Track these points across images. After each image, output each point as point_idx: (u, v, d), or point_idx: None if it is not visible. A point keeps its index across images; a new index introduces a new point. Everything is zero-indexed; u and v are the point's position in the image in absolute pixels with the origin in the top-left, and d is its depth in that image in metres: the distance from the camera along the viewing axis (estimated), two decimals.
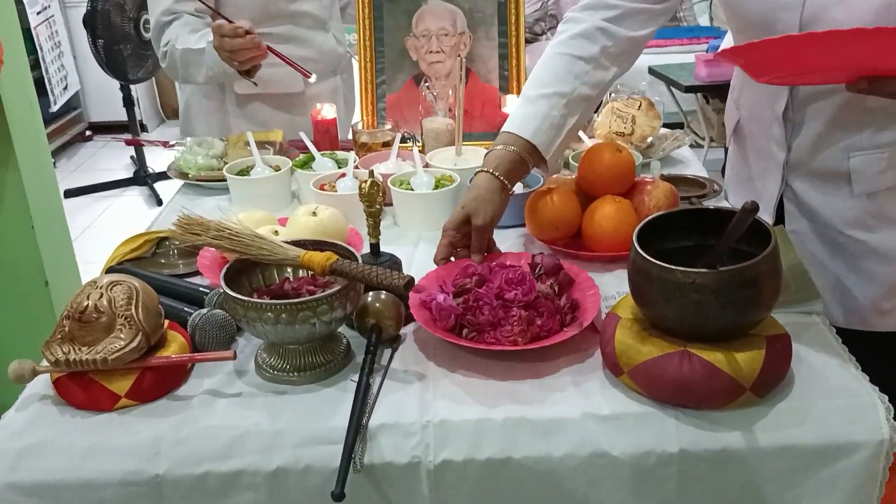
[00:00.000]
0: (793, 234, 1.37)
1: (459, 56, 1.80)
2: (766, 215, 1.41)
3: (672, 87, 4.00)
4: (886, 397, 1.01)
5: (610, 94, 1.84)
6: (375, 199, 1.19)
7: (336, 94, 2.19)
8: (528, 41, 4.85)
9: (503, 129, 1.34)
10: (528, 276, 1.16)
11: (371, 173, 1.21)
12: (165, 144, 2.01)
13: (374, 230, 1.21)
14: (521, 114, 1.33)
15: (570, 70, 1.34)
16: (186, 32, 1.91)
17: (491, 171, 1.28)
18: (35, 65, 4.45)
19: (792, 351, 1.04)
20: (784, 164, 1.36)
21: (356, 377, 1.06)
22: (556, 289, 1.18)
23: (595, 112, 1.86)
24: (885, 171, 1.28)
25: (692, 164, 1.81)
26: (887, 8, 1.14)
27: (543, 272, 1.20)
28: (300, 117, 2.08)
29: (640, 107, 1.78)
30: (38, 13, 4.53)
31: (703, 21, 4.96)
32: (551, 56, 1.37)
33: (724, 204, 1.58)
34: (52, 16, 4.67)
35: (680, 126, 4.25)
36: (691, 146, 1.94)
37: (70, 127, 5.12)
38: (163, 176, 4.25)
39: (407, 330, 1.19)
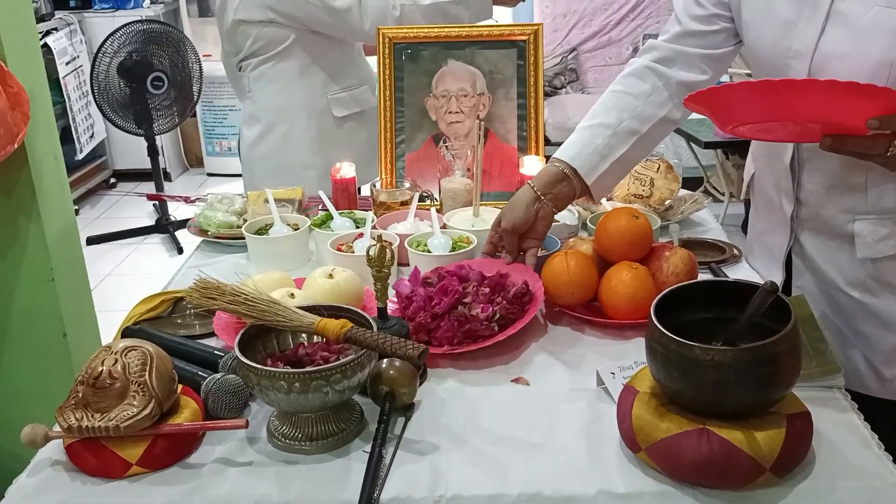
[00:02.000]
0: (798, 289, 1.37)
1: (478, 117, 1.82)
2: (776, 269, 1.42)
3: (691, 143, 4.01)
4: None
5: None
6: (384, 264, 1.19)
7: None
8: (547, 94, 4.90)
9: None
10: (473, 288, 1.32)
11: (380, 238, 1.21)
12: (187, 200, 2.03)
13: (383, 294, 1.21)
14: (567, 141, 1.43)
15: (617, 103, 1.42)
16: None
17: (529, 182, 1.42)
18: (62, 113, 4.54)
19: (813, 429, 1.01)
20: (792, 217, 1.36)
21: (368, 447, 1.05)
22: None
23: (651, 151, 1.85)
24: (888, 238, 1.27)
25: (711, 227, 1.80)
26: (888, 66, 1.14)
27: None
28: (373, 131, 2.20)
29: (658, 169, 1.78)
30: (67, 63, 4.64)
31: (724, 77, 4.98)
32: (606, 93, 1.45)
33: (744, 267, 1.57)
34: (81, 66, 4.77)
35: (699, 181, 4.24)
36: (713, 201, 1.93)
37: (94, 174, 5.20)
38: (184, 224, 4.29)
39: (420, 395, 1.18)
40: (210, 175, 5.47)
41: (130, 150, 5.19)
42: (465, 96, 1.87)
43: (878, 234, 1.27)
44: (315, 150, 2.32)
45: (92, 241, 4.40)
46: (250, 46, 2.25)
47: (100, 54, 4.10)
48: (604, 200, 1.71)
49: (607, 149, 1.39)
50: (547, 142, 1.89)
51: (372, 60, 2.09)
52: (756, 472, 0.95)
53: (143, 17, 4.63)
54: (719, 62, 1.43)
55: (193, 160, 5.75)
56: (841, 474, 1.00)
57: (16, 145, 1.88)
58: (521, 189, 1.43)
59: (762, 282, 0.97)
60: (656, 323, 1.00)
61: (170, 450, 1.05)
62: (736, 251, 1.61)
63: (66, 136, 4.50)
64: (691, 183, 2.08)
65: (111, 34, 4.12)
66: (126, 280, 4.04)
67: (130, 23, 4.17)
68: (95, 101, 4.16)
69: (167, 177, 5.38)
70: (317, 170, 2.27)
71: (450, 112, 1.88)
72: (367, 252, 1.20)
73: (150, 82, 4.14)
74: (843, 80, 1.01)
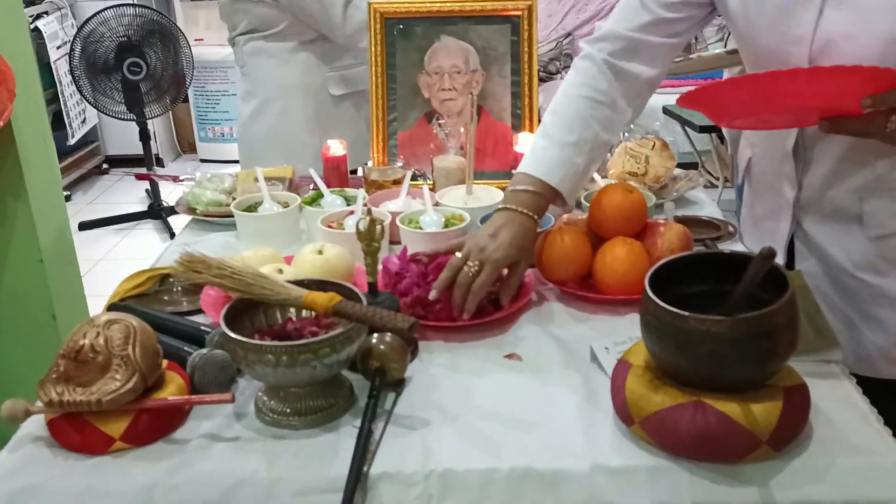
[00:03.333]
0: (803, 274, 1.34)
1: (471, 94, 1.79)
2: (778, 256, 1.38)
3: (686, 127, 3.98)
4: None
5: (623, 134, 1.82)
6: (374, 238, 1.17)
7: None
8: (542, 80, 4.86)
9: (524, 169, 1.35)
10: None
11: (369, 211, 1.19)
12: (175, 179, 1.99)
13: (373, 269, 1.19)
14: (548, 158, 1.35)
15: (592, 115, 1.36)
16: None
17: (525, 212, 1.32)
18: (54, 98, 4.50)
19: (810, 403, 1.00)
20: (795, 202, 1.33)
21: (358, 422, 1.03)
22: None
23: (608, 152, 1.84)
24: None
25: (706, 206, 1.78)
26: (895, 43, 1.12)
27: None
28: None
29: (653, 147, 1.75)
30: (59, 47, 4.59)
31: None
32: (573, 97, 1.38)
33: (739, 246, 1.55)
34: (74, 51, 4.71)
35: (694, 166, 4.22)
36: (706, 186, 1.91)
37: (87, 160, 5.16)
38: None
39: (412, 371, 1.16)
40: (203, 161, 5.43)
41: (123, 136, 5.16)
42: (458, 73, 1.84)
43: (890, 210, 1.25)
44: (312, 128, 2.27)
45: (84, 226, 4.37)
46: (246, 25, 2.22)
47: (78, 38, 4.06)
48: (598, 177, 1.69)
49: (586, 167, 1.37)
50: None
51: None
52: (752, 445, 0.94)
53: (135, 2, 4.58)
54: (677, 49, 1.39)
55: (186, 146, 5.72)
56: (839, 449, 0.98)
57: (1, 123, 1.85)
58: (512, 216, 1.31)
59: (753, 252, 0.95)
60: (651, 294, 0.98)
61: (154, 425, 1.03)
62: (731, 228, 1.59)
63: (58, 122, 4.46)
64: (686, 168, 2.06)
65: (90, 17, 4.08)
66: (118, 265, 4.00)
67: (114, 6, 4.12)
68: (76, 85, 4.12)
69: (160, 162, 5.34)
70: (314, 148, 2.22)
71: (442, 89, 1.85)
72: (357, 226, 1.18)
73: (127, 68, 4.10)
74: (849, 62, 1.00)
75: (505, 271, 1.30)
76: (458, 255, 1.28)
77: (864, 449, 0.98)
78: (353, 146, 2.03)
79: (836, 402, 1.06)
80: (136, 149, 4.53)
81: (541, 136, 1.37)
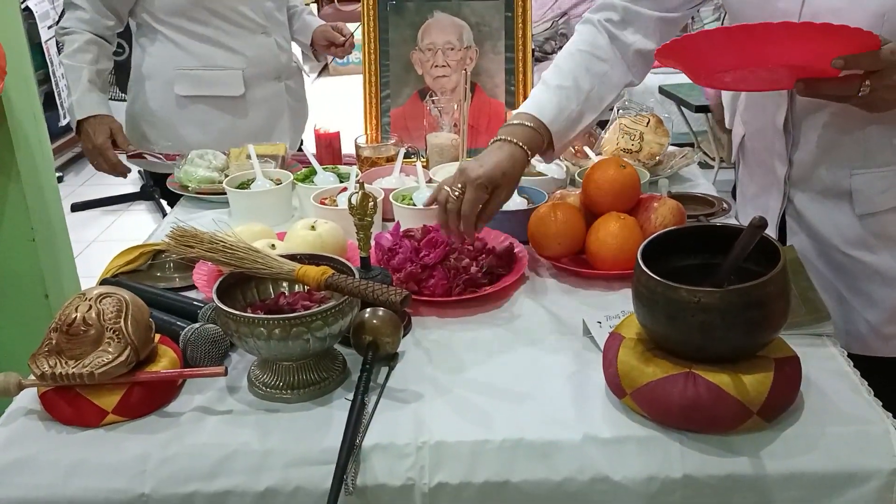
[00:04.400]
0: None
1: (465, 70, 1.78)
2: (770, 232, 1.38)
3: (682, 107, 3.98)
4: None
5: (618, 111, 1.82)
6: (366, 212, 1.16)
7: (278, 100, 2.18)
8: (538, 60, 4.84)
9: (518, 110, 1.33)
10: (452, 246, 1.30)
11: (361, 185, 1.19)
12: (167, 157, 1.98)
13: (366, 244, 1.19)
14: (540, 97, 1.33)
15: (588, 68, 1.34)
16: (79, 42, 2.00)
17: (514, 140, 1.26)
18: (45, 79, 4.46)
19: (801, 374, 1.00)
20: (785, 178, 1.33)
21: (351, 396, 1.03)
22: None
23: (602, 129, 1.84)
24: (888, 190, 1.24)
25: (701, 183, 1.78)
26: (882, 18, 1.11)
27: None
28: (241, 119, 2.12)
29: (648, 123, 1.75)
30: (49, 27, 4.55)
31: None
32: (573, 52, 1.37)
33: (733, 222, 1.55)
34: None
35: (690, 146, 4.21)
36: (701, 166, 1.91)
37: (79, 141, 5.13)
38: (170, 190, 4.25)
39: (405, 346, 1.17)
40: None
41: (115, 116, 5.12)
42: (452, 49, 1.83)
43: (878, 187, 1.25)
44: (153, 123, 2.13)
45: (77, 207, 4.35)
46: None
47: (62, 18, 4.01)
48: (591, 153, 1.68)
49: (579, 115, 1.33)
50: None
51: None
52: (743, 415, 0.94)
53: None
54: (672, 26, 1.38)
55: None
56: (830, 419, 0.98)
57: None
58: (501, 144, 1.26)
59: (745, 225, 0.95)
60: (643, 266, 0.98)
61: (147, 398, 1.03)
62: (725, 205, 1.59)
63: (50, 102, 4.43)
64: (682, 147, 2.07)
65: None
66: (111, 246, 3.97)
67: None
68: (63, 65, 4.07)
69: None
70: (158, 146, 2.12)
71: (436, 66, 1.84)
72: (349, 200, 1.18)
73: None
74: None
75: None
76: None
77: (854, 419, 0.98)
78: (200, 146, 1.90)
79: (828, 373, 1.06)
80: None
81: (539, 84, 1.37)
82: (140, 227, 4.23)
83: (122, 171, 2.03)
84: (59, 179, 4.48)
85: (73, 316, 1.01)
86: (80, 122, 1.99)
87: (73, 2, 2.02)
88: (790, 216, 1.36)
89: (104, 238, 4.13)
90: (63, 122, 4.69)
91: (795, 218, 1.35)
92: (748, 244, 0.92)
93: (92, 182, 4.90)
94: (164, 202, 4.34)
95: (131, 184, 4.72)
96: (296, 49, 2.28)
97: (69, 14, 2.03)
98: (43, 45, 4.42)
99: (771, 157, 1.34)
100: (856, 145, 1.24)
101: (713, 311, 0.92)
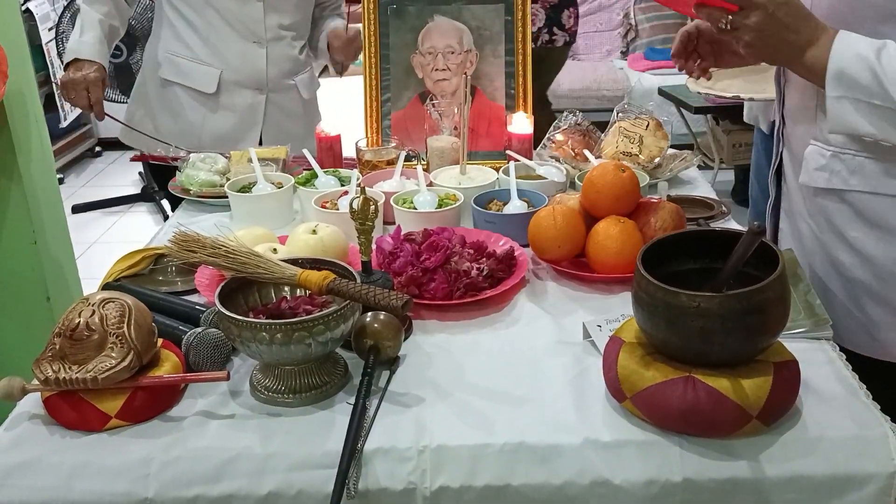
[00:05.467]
0: (784, 211, 1.38)
1: (465, 74, 1.79)
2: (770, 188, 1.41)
3: (682, 109, 3.98)
4: None
5: (617, 114, 1.82)
6: (368, 216, 1.17)
7: (253, 112, 2.14)
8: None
9: None
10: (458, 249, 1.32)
11: (363, 190, 1.19)
12: (168, 159, 1.99)
13: (367, 248, 1.19)
14: None
15: None
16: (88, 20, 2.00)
17: None
18: (46, 81, 4.47)
19: (800, 378, 1.01)
20: (779, 133, 1.37)
21: (352, 400, 1.04)
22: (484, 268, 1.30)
23: (602, 132, 1.84)
24: (823, 169, 1.22)
25: (700, 185, 1.78)
26: None
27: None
28: (210, 116, 2.13)
29: (647, 126, 1.75)
30: (50, 29, 4.56)
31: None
32: None
33: (733, 225, 1.56)
34: (64, 32, 4.68)
35: (689, 148, 4.22)
36: (700, 168, 1.92)
37: (80, 142, 5.13)
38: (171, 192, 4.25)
39: (406, 350, 1.17)
40: None
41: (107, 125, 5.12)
42: (452, 53, 1.84)
43: (817, 162, 1.23)
44: (142, 101, 2.20)
45: (78, 209, 4.36)
46: None
47: (65, 19, 4.02)
48: (591, 156, 1.69)
49: None
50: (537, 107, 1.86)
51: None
52: (742, 419, 0.95)
53: None
54: None
55: None
56: (828, 423, 0.99)
57: None
58: None
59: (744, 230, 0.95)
60: (642, 271, 0.99)
61: (150, 402, 1.03)
62: (724, 208, 1.60)
63: (51, 104, 4.44)
64: (681, 150, 2.07)
65: None
66: (112, 248, 4.00)
67: None
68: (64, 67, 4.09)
69: None
70: (142, 125, 2.18)
71: (436, 69, 1.85)
72: (351, 205, 1.18)
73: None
74: None
75: None
76: None
77: (853, 423, 0.99)
78: (165, 138, 2.06)
79: (826, 377, 1.07)
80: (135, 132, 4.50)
81: None
82: (141, 228, 4.24)
83: (100, 113, 1.96)
84: (60, 181, 4.49)
85: (77, 321, 1.01)
86: (77, 59, 1.96)
87: None
88: (783, 174, 1.38)
89: (105, 240, 4.13)
90: (64, 124, 4.70)
91: (783, 176, 1.37)
92: (747, 250, 0.93)
93: (93, 183, 4.91)
94: (165, 203, 4.36)
95: (132, 185, 4.73)
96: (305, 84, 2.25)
97: None
98: (43, 46, 4.43)
99: (775, 110, 1.39)
100: (812, 114, 1.23)
101: (713, 316, 0.93)
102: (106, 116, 1.99)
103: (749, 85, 1.75)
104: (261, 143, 2.14)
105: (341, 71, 2.19)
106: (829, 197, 1.23)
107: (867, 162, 1.17)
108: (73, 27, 3.97)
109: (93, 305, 1.03)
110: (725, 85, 1.79)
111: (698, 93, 1.85)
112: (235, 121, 2.13)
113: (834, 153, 1.21)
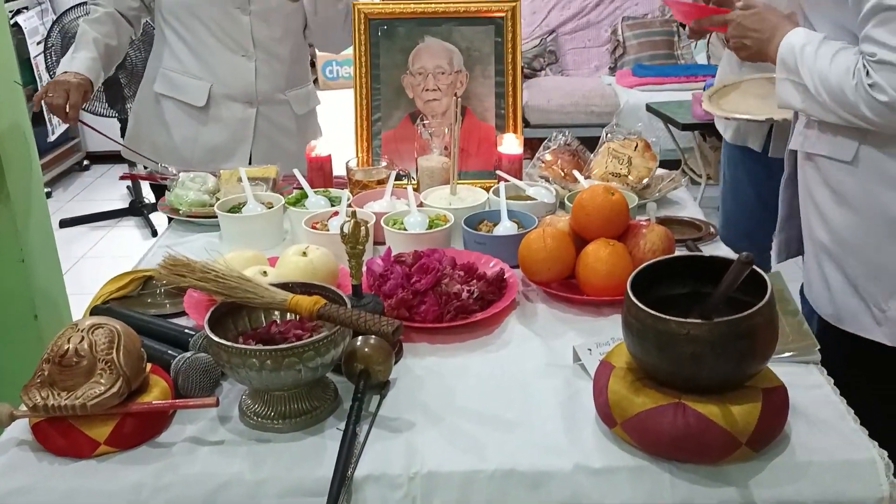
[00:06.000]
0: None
1: (456, 95, 1.79)
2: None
3: (669, 125, 4.01)
4: (886, 453, 0.98)
5: (606, 135, 1.83)
6: (359, 240, 1.17)
7: (244, 127, 2.15)
8: (526, 76, 4.87)
9: None
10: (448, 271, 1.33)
11: (354, 213, 1.20)
12: (157, 178, 1.99)
13: (357, 272, 1.19)
14: None
15: None
16: (99, 13, 2.06)
17: None
18: (33, 94, 4.46)
19: (789, 403, 1.01)
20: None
21: (342, 425, 1.04)
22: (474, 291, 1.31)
23: (591, 152, 1.86)
24: (799, 134, 1.41)
25: (688, 206, 1.79)
26: None
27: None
28: (203, 127, 2.14)
29: (636, 147, 1.76)
30: (38, 43, 4.55)
31: (701, 59, 4.98)
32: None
33: (720, 245, 1.57)
34: (53, 46, 4.67)
35: (677, 163, 4.25)
36: (690, 184, 1.93)
37: (68, 156, 5.11)
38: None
39: (396, 374, 1.17)
40: None
41: (104, 132, 5.10)
42: (443, 73, 1.85)
43: (798, 128, 1.42)
44: (138, 115, 2.23)
45: (65, 223, 4.33)
46: None
47: (54, 33, 4.01)
48: (581, 178, 1.70)
49: None
50: (526, 124, 1.87)
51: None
52: (732, 446, 0.95)
53: None
54: None
55: None
56: (817, 448, 0.99)
57: None
58: None
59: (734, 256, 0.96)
60: (632, 297, 0.99)
61: (139, 429, 1.03)
62: (712, 229, 1.61)
63: (38, 118, 4.41)
64: (669, 165, 2.07)
65: (66, 10, 4.03)
66: (100, 263, 3.98)
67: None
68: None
69: None
70: (137, 139, 2.21)
71: (427, 89, 1.85)
72: (342, 229, 1.18)
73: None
74: None
75: None
76: None
77: (841, 448, 0.99)
78: (160, 151, 2.12)
79: (814, 401, 1.08)
80: (118, 145, 4.49)
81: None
82: (129, 243, 4.22)
83: (74, 119, 1.94)
84: (48, 195, 4.46)
85: (66, 347, 1.01)
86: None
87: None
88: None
89: (92, 255, 4.11)
90: (52, 138, 4.68)
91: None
92: (736, 279, 0.93)
93: (81, 198, 4.88)
94: (153, 217, 4.34)
95: (120, 199, 4.71)
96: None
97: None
98: (31, 61, 4.42)
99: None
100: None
101: (703, 343, 0.94)
102: (83, 125, 2.00)
103: (760, 106, 1.81)
104: (251, 158, 2.15)
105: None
106: (807, 162, 1.41)
107: (827, 127, 1.35)
108: (62, 41, 3.99)
109: (82, 331, 1.03)
110: (733, 106, 1.86)
111: (706, 111, 1.88)
112: (227, 134, 2.14)
113: (809, 121, 1.39)
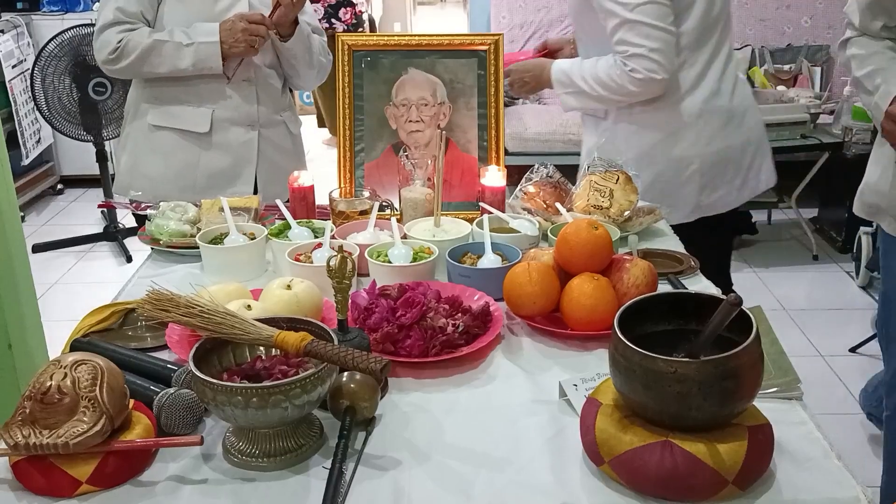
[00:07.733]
0: None
1: (439, 126, 1.80)
2: None
3: None
4: (869, 490, 0.99)
5: (587, 168, 1.85)
6: (345, 275, 1.17)
7: (248, 149, 2.18)
8: (506, 104, 4.90)
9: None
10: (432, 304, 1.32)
11: (340, 248, 1.19)
12: (137, 207, 1.97)
13: (343, 306, 1.19)
14: None
15: None
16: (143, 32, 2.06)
17: None
18: (8, 118, 4.42)
19: (774, 441, 1.02)
20: None
21: (328, 463, 1.03)
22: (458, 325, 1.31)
23: (569, 177, 1.89)
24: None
25: (669, 238, 1.81)
26: None
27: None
28: (206, 152, 2.15)
29: (617, 181, 1.78)
30: (14, 66, 4.51)
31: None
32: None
33: (700, 279, 1.58)
34: (28, 69, 4.64)
35: None
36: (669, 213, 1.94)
37: (42, 180, 5.05)
38: (133, 231, 4.19)
39: (382, 409, 1.16)
40: None
41: (78, 156, 5.06)
42: (426, 105, 1.85)
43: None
44: (124, 145, 2.23)
45: (38, 248, 4.27)
46: None
47: (41, 59, 4.00)
48: (564, 210, 1.71)
49: None
50: (505, 152, 1.89)
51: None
52: (719, 485, 0.95)
53: (93, 21, 4.52)
54: None
55: None
56: (802, 486, 1.00)
57: None
58: None
59: (719, 294, 0.97)
60: (620, 335, 1.00)
61: (121, 467, 1.01)
62: (693, 262, 1.62)
63: (12, 141, 4.37)
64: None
65: (53, 37, 4.02)
66: (74, 289, 3.93)
67: (76, 26, 4.07)
68: (37, 106, 4.07)
69: None
70: (130, 175, 2.21)
71: (410, 121, 1.86)
72: (328, 263, 1.18)
73: (93, 88, 4.06)
74: None
75: None
76: None
77: (825, 485, 1.00)
78: (156, 183, 2.12)
79: (799, 438, 1.09)
80: (93, 169, 4.46)
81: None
82: (103, 268, 4.17)
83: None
84: (21, 219, 4.41)
85: (48, 384, 0.99)
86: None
87: (111, 20, 2.06)
88: None
89: (67, 280, 4.06)
90: (25, 161, 4.64)
91: None
92: (724, 320, 0.94)
93: (54, 222, 4.83)
94: (127, 243, 4.30)
95: (95, 223, 4.66)
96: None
97: (110, 29, 2.06)
98: (7, 84, 4.39)
99: None
100: None
101: (690, 382, 0.94)
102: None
103: None
104: (256, 180, 2.19)
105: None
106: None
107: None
108: (41, 77, 3.97)
109: (65, 368, 1.01)
110: None
111: None
112: (230, 158, 2.16)
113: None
